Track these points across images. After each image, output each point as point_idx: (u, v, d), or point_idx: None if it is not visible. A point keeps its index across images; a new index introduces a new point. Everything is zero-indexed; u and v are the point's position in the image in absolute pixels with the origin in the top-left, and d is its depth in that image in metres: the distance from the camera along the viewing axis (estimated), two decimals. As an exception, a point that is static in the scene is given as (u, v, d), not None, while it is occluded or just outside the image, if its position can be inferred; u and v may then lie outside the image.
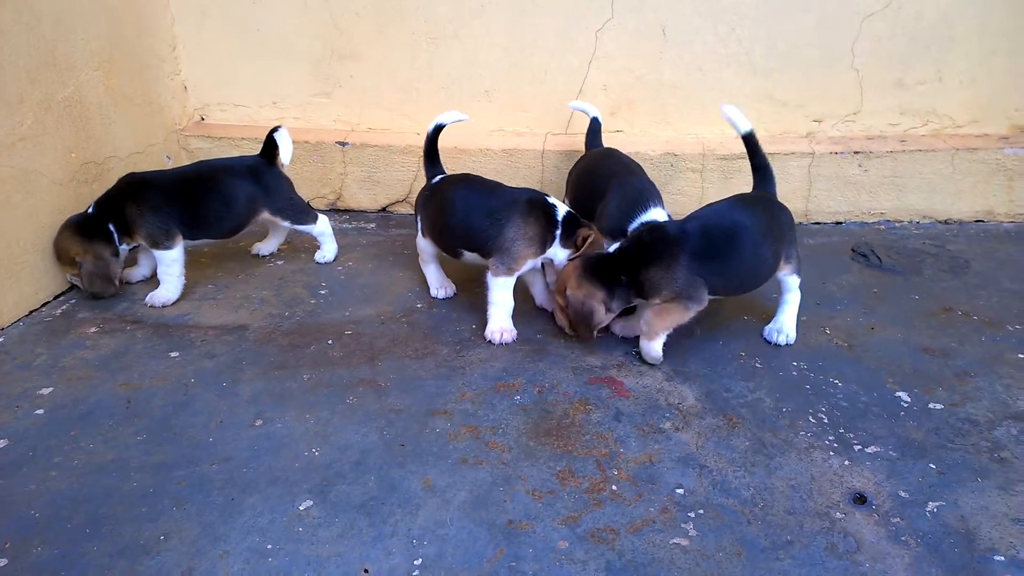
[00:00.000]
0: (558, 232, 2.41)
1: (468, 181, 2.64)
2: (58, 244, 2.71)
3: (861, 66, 3.34)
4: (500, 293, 2.46)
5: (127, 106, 3.21)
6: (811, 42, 3.31)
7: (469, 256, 2.57)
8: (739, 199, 2.40)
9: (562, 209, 2.45)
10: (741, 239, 2.24)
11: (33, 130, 2.68)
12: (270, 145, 2.92)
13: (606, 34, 3.36)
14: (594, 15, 3.33)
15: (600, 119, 3.14)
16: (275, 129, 2.92)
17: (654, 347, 2.26)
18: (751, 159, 2.48)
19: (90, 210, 2.73)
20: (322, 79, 3.60)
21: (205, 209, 2.78)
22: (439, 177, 2.75)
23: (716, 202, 2.41)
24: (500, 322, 2.47)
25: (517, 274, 2.46)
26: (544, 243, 2.43)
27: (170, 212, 2.73)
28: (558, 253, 2.44)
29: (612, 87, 3.48)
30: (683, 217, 2.36)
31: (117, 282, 2.74)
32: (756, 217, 2.28)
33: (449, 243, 2.59)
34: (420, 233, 2.72)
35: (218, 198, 2.80)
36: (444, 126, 2.82)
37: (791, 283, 2.43)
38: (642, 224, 2.41)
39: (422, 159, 2.84)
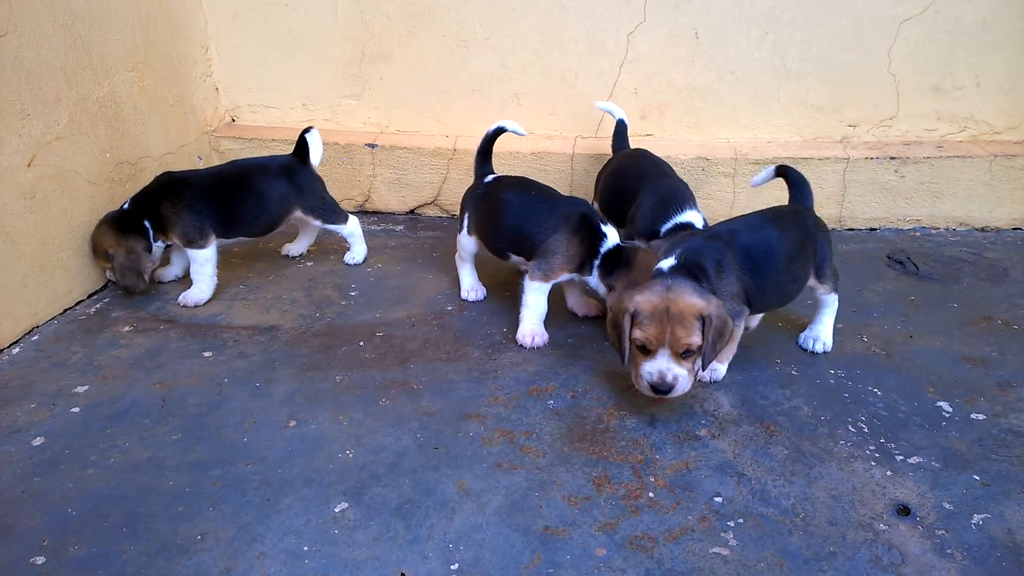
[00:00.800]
0: (596, 263, 2.36)
1: (524, 185, 2.60)
2: (94, 238, 2.75)
3: (898, 71, 3.29)
4: (534, 296, 2.44)
5: (160, 107, 3.24)
6: (846, 46, 3.26)
7: (515, 259, 2.57)
8: (773, 213, 2.30)
9: (610, 240, 2.35)
10: (776, 256, 2.14)
11: (69, 129, 2.71)
12: (303, 145, 2.94)
13: (638, 37, 3.34)
14: (626, 18, 3.31)
15: (626, 121, 3.12)
16: (307, 130, 2.94)
17: (721, 369, 2.25)
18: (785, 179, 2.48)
19: (126, 206, 2.76)
20: (352, 81, 3.61)
21: (240, 208, 2.81)
22: (492, 176, 2.74)
23: (750, 216, 2.30)
24: (532, 326, 2.46)
25: (553, 283, 2.44)
26: (582, 265, 2.40)
27: (206, 211, 2.75)
28: (591, 279, 2.40)
29: (643, 90, 3.45)
30: (719, 230, 2.19)
31: (147, 277, 2.76)
32: (790, 234, 2.20)
33: (498, 244, 2.58)
34: (465, 231, 2.70)
35: (253, 197, 2.82)
36: (504, 131, 2.83)
37: (829, 300, 2.39)
38: (681, 234, 2.35)
39: (475, 158, 2.83)
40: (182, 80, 3.43)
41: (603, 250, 2.34)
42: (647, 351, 1.94)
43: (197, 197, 2.75)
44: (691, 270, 2.02)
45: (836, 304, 2.41)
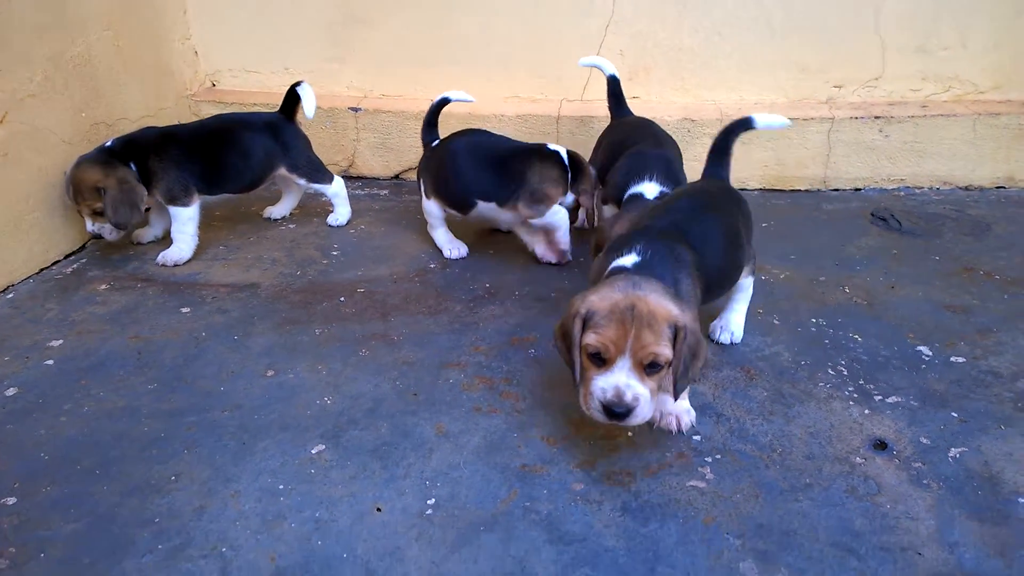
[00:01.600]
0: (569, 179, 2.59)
1: (472, 132, 2.71)
2: (75, 177, 2.56)
3: (884, 31, 3.27)
4: (552, 218, 2.59)
5: (137, 69, 3.19)
6: (833, 7, 3.24)
7: (483, 207, 2.59)
8: (706, 196, 1.98)
9: (563, 154, 2.59)
10: (720, 246, 1.87)
11: (42, 87, 2.67)
12: (290, 101, 2.92)
13: (622, -3, 3.31)
14: (610, -23, 3.28)
15: (617, 76, 2.96)
16: (297, 83, 2.91)
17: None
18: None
19: (109, 144, 2.67)
20: (335, 45, 3.57)
21: (223, 163, 2.78)
22: (437, 140, 2.80)
23: (681, 200, 1.95)
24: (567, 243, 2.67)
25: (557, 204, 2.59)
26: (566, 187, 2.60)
27: (191, 167, 2.72)
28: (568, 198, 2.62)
29: (629, 52, 3.42)
30: (663, 226, 1.81)
31: (143, 208, 2.64)
32: (728, 219, 1.93)
33: (462, 195, 2.60)
34: (425, 196, 2.72)
35: (237, 152, 2.80)
36: (449, 101, 2.88)
37: (746, 284, 2.11)
38: (629, 221, 2.01)
39: (422, 128, 2.87)
40: (160, 42, 3.37)
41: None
42: (602, 361, 1.51)
43: (183, 153, 2.71)
44: (658, 270, 1.64)
45: (751, 290, 2.15)
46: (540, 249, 2.72)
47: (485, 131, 2.75)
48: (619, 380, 1.48)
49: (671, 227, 1.79)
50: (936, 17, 3.24)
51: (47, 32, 2.67)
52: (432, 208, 2.73)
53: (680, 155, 2.67)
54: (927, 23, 3.25)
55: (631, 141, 2.68)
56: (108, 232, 2.65)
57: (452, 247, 2.77)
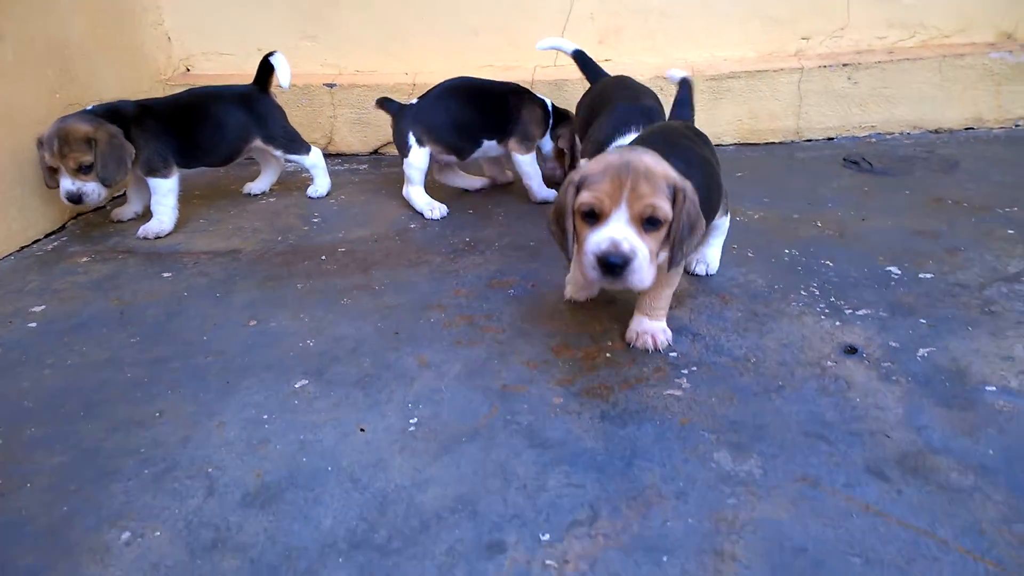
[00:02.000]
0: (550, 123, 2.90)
1: (458, 78, 2.90)
2: (64, 129, 2.50)
3: (846, -21, 3.32)
4: (532, 166, 2.87)
5: (111, 52, 3.21)
6: (795, -43, 3.29)
7: (487, 145, 2.85)
8: (681, 135, 1.90)
9: (549, 103, 2.90)
10: (699, 170, 1.78)
11: (14, 67, 2.68)
12: (263, 72, 2.93)
13: (589, -41, 3.35)
14: (576, -61, 3.32)
15: (580, 49, 2.90)
16: (269, 54, 2.92)
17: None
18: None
19: (90, 108, 2.64)
20: (307, 22, 3.59)
21: (199, 136, 2.80)
22: (425, 92, 2.85)
23: (659, 131, 1.92)
24: (545, 189, 2.90)
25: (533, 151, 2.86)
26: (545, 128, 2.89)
27: (168, 140, 2.73)
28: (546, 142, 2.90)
29: (598, 15, 3.46)
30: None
31: (129, 165, 2.60)
32: (704, 150, 1.90)
33: (469, 135, 2.81)
34: (415, 146, 2.74)
35: (211, 125, 2.81)
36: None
37: (721, 224, 2.11)
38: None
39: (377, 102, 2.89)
40: (132, 26, 3.39)
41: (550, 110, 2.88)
42: (596, 217, 1.45)
43: (159, 126, 2.72)
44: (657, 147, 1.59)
45: (726, 229, 2.15)
46: (461, 179, 3.07)
47: (468, 76, 2.94)
48: (615, 231, 1.41)
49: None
50: (898, -35, 3.30)
51: (18, 11, 2.69)
52: (420, 160, 2.76)
53: (660, 103, 2.66)
54: (890, -28, 3.31)
55: (608, 98, 2.70)
56: (91, 191, 2.57)
57: (432, 207, 2.80)
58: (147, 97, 2.89)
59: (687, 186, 1.48)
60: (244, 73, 3.65)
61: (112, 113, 2.66)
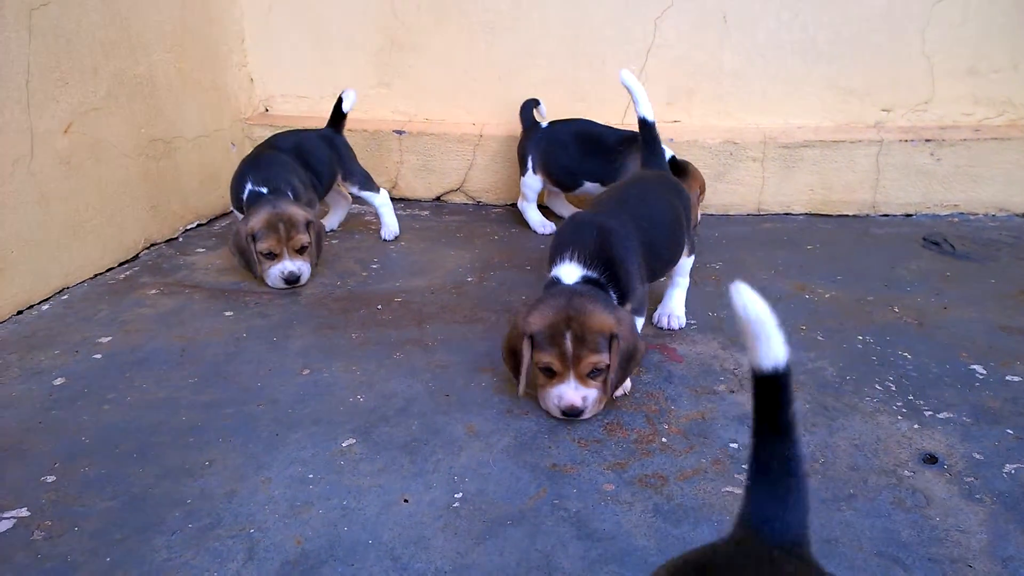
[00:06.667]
0: None
1: (577, 120, 3.16)
2: (287, 214, 2.59)
3: (932, 53, 3.22)
4: None
5: (196, 91, 3.34)
6: (878, 28, 3.21)
7: (589, 186, 3.02)
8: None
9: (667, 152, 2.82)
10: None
11: (106, 102, 2.81)
12: (337, 115, 3.11)
13: (665, 22, 3.34)
14: (654, 2, 3.32)
15: (651, 121, 2.41)
16: (342, 94, 3.13)
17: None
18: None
19: (265, 191, 2.74)
20: (382, 70, 3.68)
21: (315, 172, 2.99)
22: (548, 122, 3.18)
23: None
24: None
25: None
26: None
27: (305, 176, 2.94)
28: None
29: (670, 76, 3.44)
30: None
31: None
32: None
33: (571, 176, 3.03)
34: (531, 171, 3.10)
35: (319, 162, 3.01)
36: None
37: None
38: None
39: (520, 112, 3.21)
40: (218, 67, 3.53)
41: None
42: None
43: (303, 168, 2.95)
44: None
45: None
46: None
47: (590, 121, 3.13)
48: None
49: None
50: (985, 39, 3.18)
51: (113, 49, 2.82)
52: (534, 183, 3.13)
53: (681, 204, 2.28)
54: (976, 45, 3.19)
55: (611, 193, 2.22)
56: (307, 270, 2.66)
57: (545, 225, 3.17)
58: (226, 134, 3.03)
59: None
60: (316, 115, 3.77)
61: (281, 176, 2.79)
